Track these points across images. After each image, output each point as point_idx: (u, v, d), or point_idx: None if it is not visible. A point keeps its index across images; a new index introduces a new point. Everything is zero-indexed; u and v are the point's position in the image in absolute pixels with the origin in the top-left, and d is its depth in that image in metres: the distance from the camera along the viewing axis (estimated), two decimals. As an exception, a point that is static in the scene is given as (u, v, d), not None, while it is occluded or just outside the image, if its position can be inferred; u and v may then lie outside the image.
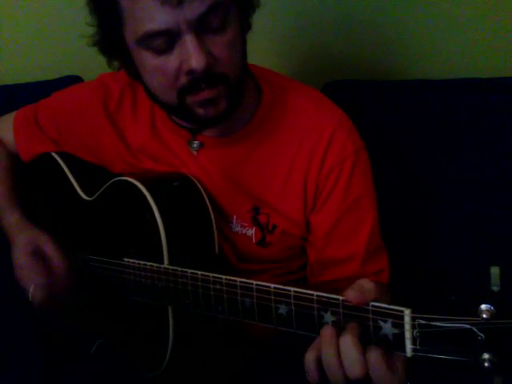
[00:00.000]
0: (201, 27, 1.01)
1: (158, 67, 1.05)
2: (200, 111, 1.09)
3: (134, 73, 1.13)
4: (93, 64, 1.75)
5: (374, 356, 0.82)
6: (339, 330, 0.85)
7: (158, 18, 0.99)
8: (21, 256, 1.24)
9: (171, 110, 1.13)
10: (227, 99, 1.09)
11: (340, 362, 0.84)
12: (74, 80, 1.66)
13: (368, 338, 0.83)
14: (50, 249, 1.24)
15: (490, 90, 1.61)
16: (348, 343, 0.83)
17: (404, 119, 1.62)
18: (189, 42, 1.01)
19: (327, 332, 0.86)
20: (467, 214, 1.57)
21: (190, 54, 1.01)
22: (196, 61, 1.01)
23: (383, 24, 1.74)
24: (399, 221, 1.56)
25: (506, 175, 1.57)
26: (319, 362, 0.87)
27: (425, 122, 1.61)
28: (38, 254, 1.24)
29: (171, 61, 1.04)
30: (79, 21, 1.75)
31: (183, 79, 1.05)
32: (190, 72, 1.03)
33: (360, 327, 0.84)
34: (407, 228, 1.59)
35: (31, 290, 1.22)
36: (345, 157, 1.18)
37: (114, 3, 1.05)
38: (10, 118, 1.43)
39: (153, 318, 1.17)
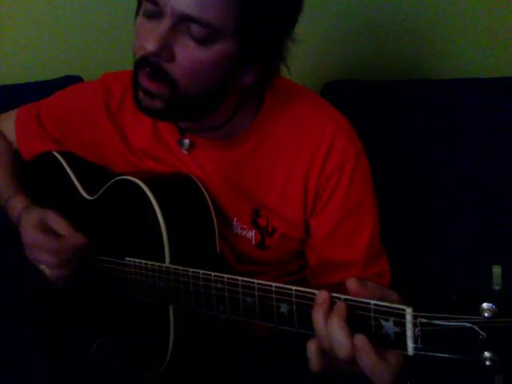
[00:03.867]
0: (183, 24, 1.00)
1: (138, 27, 1.06)
2: (140, 94, 1.08)
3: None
4: (93, 64, 1.78)
5: (360, 340, 0.83)
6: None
7: None
8: (30, 234, 1.19)
9: (133, 78, 1.11)
10: (165, 104, 1.07)
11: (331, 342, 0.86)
12: (74, 80, 1.66)
13: (369, 337, 0.83)
14: (58, 223, 1.19)
15: (490, 90, 1.61)
16: (334, 325, 0.85)
17: (404, 119, 1.63)
18: (161, 25, 1.01)
19: (318, 315, 0.87)
20: (468, 214, 1.58)
21: (151, 34, 1.01)
22: (149, 43, 1.00)
23: (383, 24, 1.74)
24: (401, 220, 1.57)
25: (506, 175, 1.57)
26: (320, 351, 0.88)
27: (425, 121, 1.62)
28: (47, 231, 1.19)
29: (145, 28, 1.03)
30: (79, 21, 1.77)
31: (140, 52, 1.04)
32: (144, 49, 1.02)
33: (347, 308, 0.85)
34: (409, 227, 1.59)
35: (46, 269, 1.18)
36: (345, 161, 1.18)
37: None
38: (11, 116, 1.43)
39: (154, 318, 1.17)
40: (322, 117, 1.21)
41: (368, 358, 0.83)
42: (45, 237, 1.17)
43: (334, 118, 1.22)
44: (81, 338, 1.34)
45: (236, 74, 1.09)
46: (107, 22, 1.69)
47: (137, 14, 1.09)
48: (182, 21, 1.00)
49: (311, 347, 0.89)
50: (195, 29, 1.00)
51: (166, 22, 1.00)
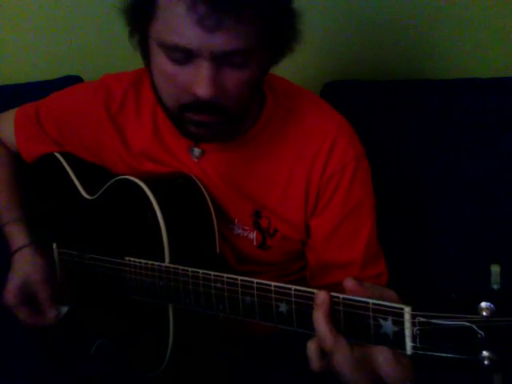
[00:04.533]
0: (222, 60, 1.00)
1: (169, 74, 1.04)
2: (192, 128, 1.09)
3: (146, 61, 1.12)
4: (93, 64, 1.78)
5: (382, 355, 0.83)
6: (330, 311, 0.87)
7: (187, 36, 0.97)
8: (12, 288, 1.25)
9: (168, 113, 1.12)
10: (219, 127, 1.09)
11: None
12: (74, 80, 1.66)
13: (368, 336, 0.83)
14: (40, 294, 1.26)
15: (490, 90, 1.61)
16: (317, 320, 0.86)
17: (404, 119, 1.63)
18: (204, 68, 1.00)
19: (318, 315, 0.87)
20: (467, 213, 1.57)
21: (200, 81, 1.00)
22: (204, 90, 1.00)
23: (383, 24, 1.74)
24: (400, 219, 1.57)
25: (506, 175, 1.57)
26: (321, 351, 0.88)
27: (425, 122, 1.62)
28: (29, 295, 1.26)
29: (183, 75, 1.03)
30: (79, 21, 1.77)
31: (187, 97, 1.04)
32: (195, 96, 1.03)
33: (330, 302, 0.86)
34: (408, 227, 1.60)
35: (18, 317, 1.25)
36: (346, 162, 1.19)
37: None
38: (9, 117, 1.43)
39: (153, 317, 1.17)
40: (324, 119, 1.22)
41: (387, 363, 0.83)
42: (21, 307, 1.25)
43: (335, 119, 1.23)
44: (81, 338, 1.34)
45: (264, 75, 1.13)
46: (107, 22, 1.69)
47: (145, 55, 1.10)
48: (223, 57, 1.00)
49: (311, 347, 0.89)
50: (235, 59, 1.01)
51: (207, 64, 1.00)
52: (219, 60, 1.00)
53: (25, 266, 1.27)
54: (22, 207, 1.37)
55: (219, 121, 1.08)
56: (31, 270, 1.27)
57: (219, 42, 0.97)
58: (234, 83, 1.04)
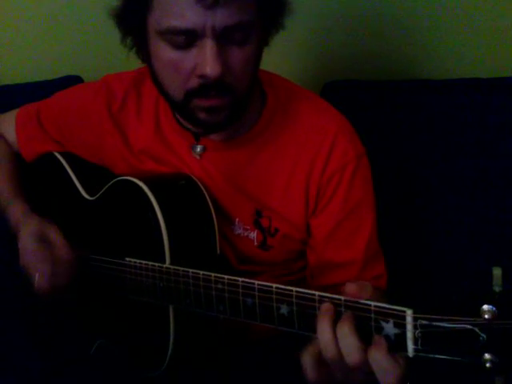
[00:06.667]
0: (224, 36, 1.02)
1: (172, 62, 1.05)
2: (202, 115, 1.09)
3: (145, 58, 1.13)
4: (93, 64, 1.78)
5: (379, 354, 0.82)
6: (335, 320, 0.86)
7: (187, 17, 0.99)
8: (28, 242, 1.22)
9: (175, 106, 1.13)
10: (229, 110, 1.09)
11: (339, 350, 0.85)
12: (74, 80, 1.66)
13: (370, 338, 0.83)
14: (56, 238, 1.23)
15: (490, 90, 1.61)
16: (345, 332, 0.84)
17: (404, 119, 1.63)
18: (209, 47, 1.01)
19: (324, 323, 0.86)
20: (468, 215, 1.57)
21: (207, 60, 1.01)
22: (211, 68, 1.01)
23: (383, 24, 1.74)
24: (400, 221, 1.57)
25: (506, 175, 1.57)
26: (317, 362, 0.87)
27: (425, 122, 1.61)
28: (44, 242, 1.22)
29: (187, 59, 1.04)
30: (79, 21, 1.77)
31: (194, 81, 1.05)
32: (203, 76, 1.03)
33: (355, 316, 0.85)
34: (408, 228, 1.59)
35: (36, 276, 1.21)
36: (347, 162, 1.19)
37: None
38: (11, 116, 1.43)
39: (154, 318, 1.17)
40: (324, 118, 1.22)
41: (385, 360, 0.82)
42: (41, 245, 1.21)
43: (335, 119, 1.23)
44: (81, 338, 1.34)
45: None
46: (107, 22, 1.68)
47: (143, 52, 1.11)
48: (225, 33, 1.01)
49: (307, 359, 0.88)
50: (236, 35, 1.03)
51: (210, 43, 1.01)
52: (221, 37, 1.01)
53: (35, 223, 1.24)
54: (27, 199, 1.37)
55: (228, 103, 1.08)
56: (44, 225, 1.24)
57: (220, 17, 0.99)
58: (237, 61, 1.05)
